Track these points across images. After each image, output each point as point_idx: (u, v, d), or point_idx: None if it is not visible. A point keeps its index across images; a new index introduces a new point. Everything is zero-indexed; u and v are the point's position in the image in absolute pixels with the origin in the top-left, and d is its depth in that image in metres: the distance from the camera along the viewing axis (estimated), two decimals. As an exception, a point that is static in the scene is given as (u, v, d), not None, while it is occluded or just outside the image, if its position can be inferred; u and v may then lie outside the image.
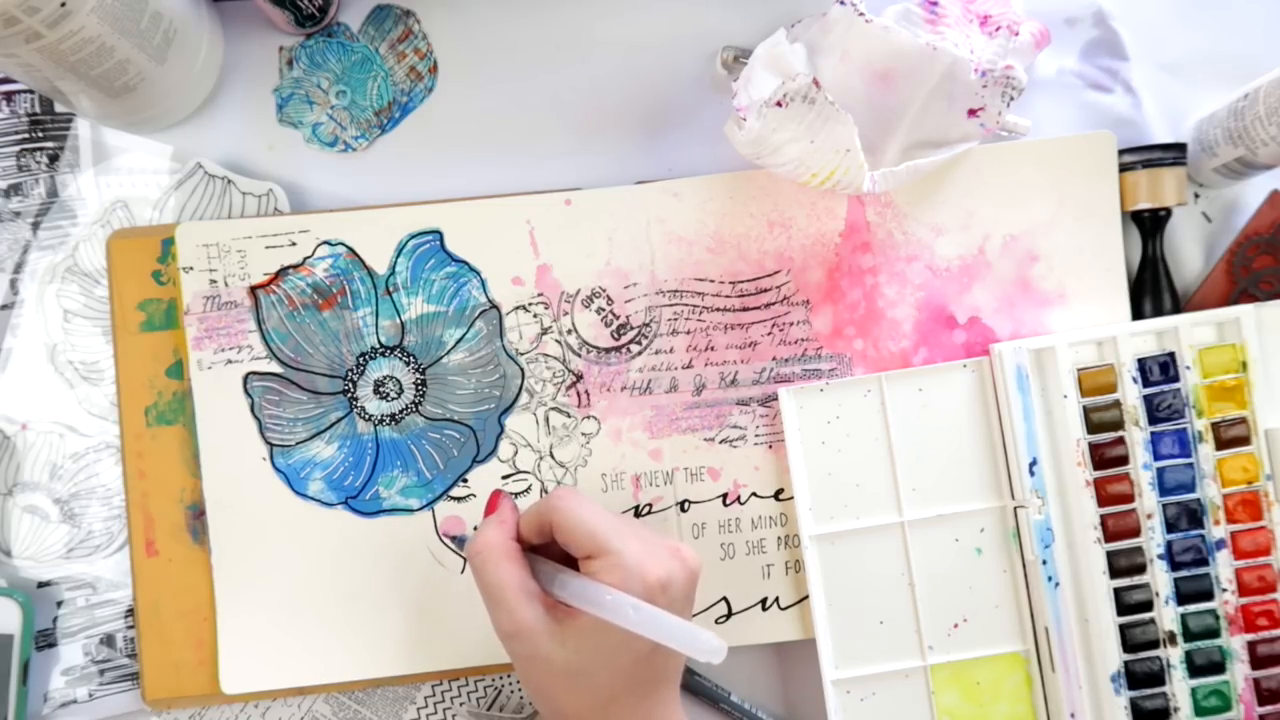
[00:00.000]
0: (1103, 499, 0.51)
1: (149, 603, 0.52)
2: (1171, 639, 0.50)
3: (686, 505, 0.53)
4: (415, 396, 0.53)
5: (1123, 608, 0.50)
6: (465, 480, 0.53)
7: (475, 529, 0.47)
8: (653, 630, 0.40)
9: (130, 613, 0.53)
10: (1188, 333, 0.51)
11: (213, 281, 0.53)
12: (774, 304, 0.53)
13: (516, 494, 0.53)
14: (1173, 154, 0.53)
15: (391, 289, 0.53)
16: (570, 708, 0.43)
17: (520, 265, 0.53)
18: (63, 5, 0.42)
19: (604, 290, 0.53)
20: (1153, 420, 0.51)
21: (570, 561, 0.44)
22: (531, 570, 0.44)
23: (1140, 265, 0.54)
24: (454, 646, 0.52)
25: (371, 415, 0.53)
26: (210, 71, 0.54)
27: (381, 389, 0.53)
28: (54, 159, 0.55)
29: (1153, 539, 0.50)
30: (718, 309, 0.53)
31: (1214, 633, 0.50)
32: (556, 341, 0.53)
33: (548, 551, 0.45)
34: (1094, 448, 0.51)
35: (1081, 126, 0.56)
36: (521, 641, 0.42)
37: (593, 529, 0.42)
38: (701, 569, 0.44)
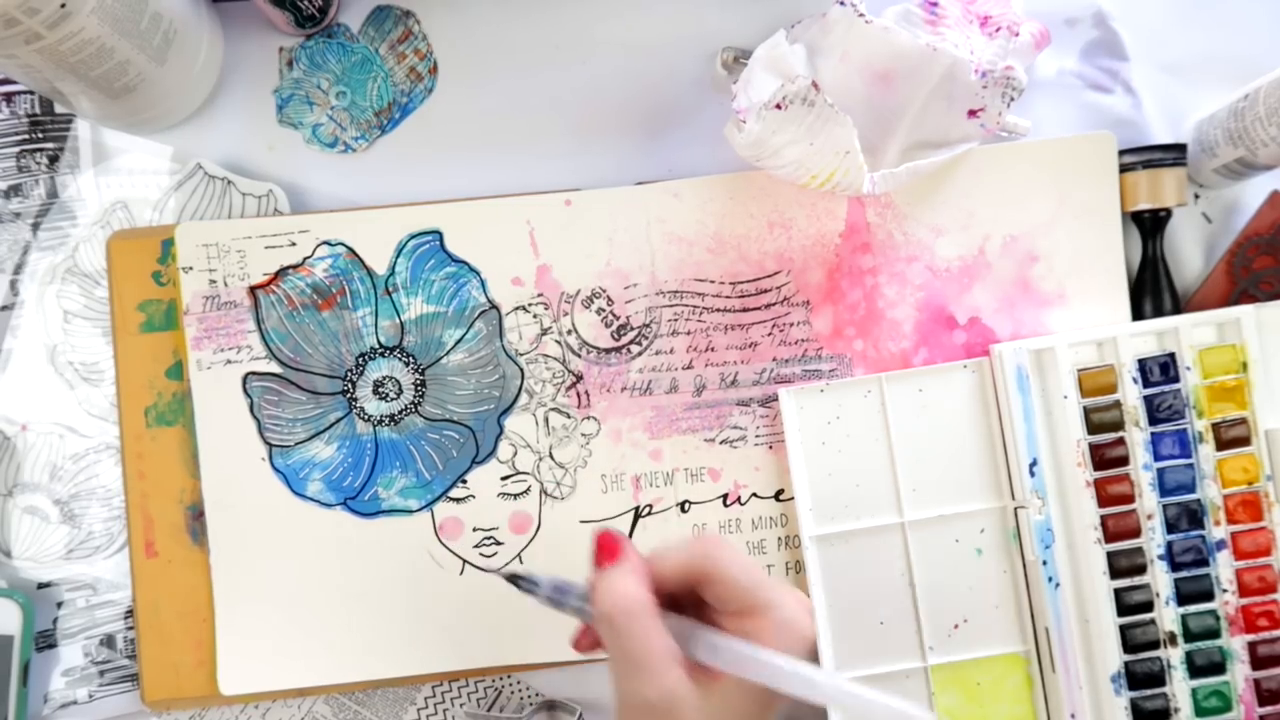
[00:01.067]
0: (1103, 499, 0.51)
1: (149, 603, 0.52)
2: (1172, 639, 0.50)
3: (687, 506, 0.53)
4: (414, 397, 0.53)
5: (1123, 608, 0.50)
6: (464, 481, 0.53)
7: (587, 577, 0.40)
8: (851, 706, 0.36)
9: (130, 614, 0.53)
10: (1188, 333, 0.51)
11: (212, 282, 0.53)
12: (774, 304, 0.53)
13: (515, 495, 0.53)
14: (1173, 154, 0.53)
15: (391, 289, 0.53)
16: None
17: (520, 265, 0.53)
18: (63, 6, 0.42)
19: (604, 291, 0.53)
20: (1153, 421, 0.51)
21: (676, 606, 0.40)
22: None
23: (1140, 266, 0.54)
24: (454, 647, 0.52)
25: (371, 416, 0.53)
26: (210, 72, 0.54)
27: (381, 389, 0.53)
28: (54, 160, 0.55)
29: (1153, 539, 0.50)
30: (718, 309, 0.53)
31: (1214, 633, 0.50)
32: (556, 342, 0.53)
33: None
34: (1094, 448, 0.51)
35: (1081, 127, 0.56)
36: (666, 714, 0.37)
37: (755, 583, 0.38)
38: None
